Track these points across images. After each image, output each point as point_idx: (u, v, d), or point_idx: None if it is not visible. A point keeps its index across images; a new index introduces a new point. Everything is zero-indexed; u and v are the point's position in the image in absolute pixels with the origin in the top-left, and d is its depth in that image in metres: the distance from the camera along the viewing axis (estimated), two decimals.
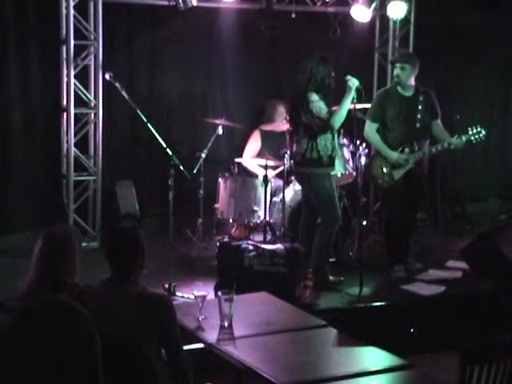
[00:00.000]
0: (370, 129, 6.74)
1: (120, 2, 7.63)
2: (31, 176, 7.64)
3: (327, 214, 6.27)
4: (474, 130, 6.60)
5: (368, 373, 3.53)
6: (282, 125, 7.24)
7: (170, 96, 8.24)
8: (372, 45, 8.72)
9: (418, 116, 6.65)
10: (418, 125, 6.65)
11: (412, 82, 6.69)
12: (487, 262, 6.45)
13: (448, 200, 9.02)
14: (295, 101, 6.33)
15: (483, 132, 6.60)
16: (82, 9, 7.36)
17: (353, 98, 6.22)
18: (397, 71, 6.67)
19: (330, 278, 6.31)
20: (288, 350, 3.90)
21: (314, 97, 6.17)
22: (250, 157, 7.65)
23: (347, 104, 6.22)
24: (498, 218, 8.95)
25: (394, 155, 6.63)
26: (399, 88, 6.71)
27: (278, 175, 7.39)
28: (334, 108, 6.26)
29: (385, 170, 6.69)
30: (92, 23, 7.45)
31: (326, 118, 6.18)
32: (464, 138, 6.60)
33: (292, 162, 6.57)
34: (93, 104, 7.54)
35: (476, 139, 6.62)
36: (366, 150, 7.09)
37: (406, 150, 6.63)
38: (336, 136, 6.45)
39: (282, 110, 7.65)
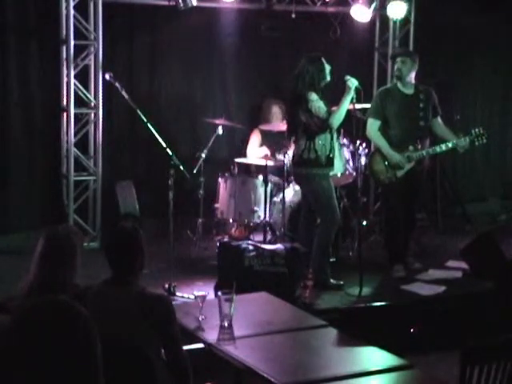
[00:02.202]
0: (372, 127, 6.73)
1: (120, 2, 7.63)
2: (31, 176, 7.64)
3: (326, 214, 6.26)
4: (477, 132, 6.62)
5: (368, 373, 3.53)
6: (278, 125, 7.26)
7: (169, 96, 8.24)
8: (372, 45, 8.72)
9: (421, 114, 6.66)
10: (421, 123, 6.66)
11: (412, 78, 6.69)
12: (487, 261, 6.45)
13: (448, 200, 9.02)
14: (293, 100, 6.33)
15: (486, 135, 6.62)
16: (81, 9, 7.36)
17: (352, 98, 6.23)
18: (398, 65, 6.68)
19: (331, 281, 6.31)
20: (288, 350, 3.90)
21: (313, 96, 6.17)
22: (254, 153, 7.66)
23: (346, 104, 6.22)
24: (498, 218, 8.96)
25: (396, 156, 6.61)
26: (400, 85, 6.71)
27: (278, 175, 7.40)
28: (333, 108, 6.26)
29: (387, 164, 6.68)
30: (92, 23, 7.45)
31: (324, 118, 6.18)
32: (468, 140, 6.61)
33: (291, 162, 6.58)
34: (93, 104, 7.54)
35: (478, 141, 6.64)
36: (366, 150, 7.08)
37: (411, 148, 6.63)
38: (335, 136, 6.45)
39: (276, 110, 7.69)
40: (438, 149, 6.69)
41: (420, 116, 6.66)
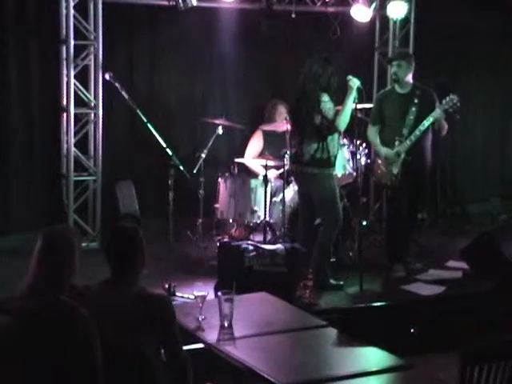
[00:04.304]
0: (370, 131, 6.85)
1: (120, 2, 7.63)
2: (31, 176, 7.64)
3: (329, 213, 6.26)
4: (448, 99, 6.57)
5: (368, 373, 3.53)
6: (282, 125, 7.23)
7: (169, 96, 8.24)
8: (372, 45, 8.72)
9: (413, 109, 6.65)
10: (411, 117, 6.64)
11: (410, 79, 6.72)
12: (487, 261, 6.45)
13: (448, 200, 9.02)
14: (304, 101, 6.28)
15: (456, 98, 6.54)
16: (81, 9, 7.36)
17: (354, 98, 6.23)
18: (394, 69, 6.73)
19: (331, 281, 6.30)
20: (288, 350, 3.90)
21: (326, 97, 6.18)
22: (252, 156, 7.64)
23: (350, 105, 6.21)
24: (498, 217, 8.96)
25: (382, 150, 6.69)
26: (397, 87, 6.76)
27: (279, 175, 7.39)
28: (337, 108, 6.27)
29: (384, 168, 6.70)
30: (92, 23, 7.45)
31: (332, 119, 6.19)
32: (440, 109, 6.57)
33: (293, 162, 6.55)
34: (93, 104, 7.54)
35: (453, 107, 6.57)
36: (366, 150, 7.11)
37: (396, 142, 6.65)
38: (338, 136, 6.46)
39: (282, 110, 7.65)
40: (417, 132, 6.60)
41: (412, 111, 6.63)
